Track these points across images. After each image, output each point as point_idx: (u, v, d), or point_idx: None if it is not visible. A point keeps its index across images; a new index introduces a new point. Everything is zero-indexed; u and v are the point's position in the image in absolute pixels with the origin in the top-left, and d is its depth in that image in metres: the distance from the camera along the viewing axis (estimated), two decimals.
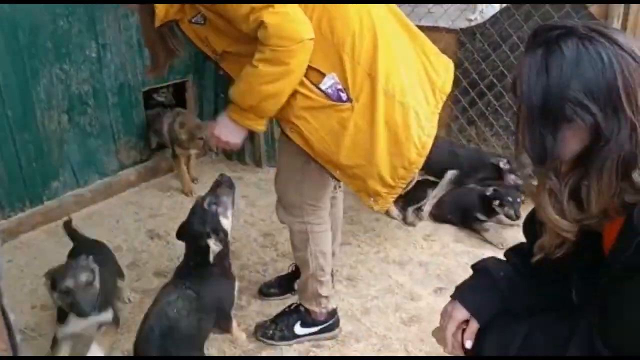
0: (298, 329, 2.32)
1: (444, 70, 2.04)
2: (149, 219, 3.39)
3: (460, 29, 3.62)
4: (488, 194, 3.19)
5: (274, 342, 2.31)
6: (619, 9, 3.08)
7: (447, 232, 3.23)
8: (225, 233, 2.04)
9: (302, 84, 1.83)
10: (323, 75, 1.83)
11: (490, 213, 3.20)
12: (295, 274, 2.61)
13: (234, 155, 4.17)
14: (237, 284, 2.21)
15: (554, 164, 1.15)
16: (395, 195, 2.02)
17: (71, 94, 3.34)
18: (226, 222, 2.06)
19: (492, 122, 3.67)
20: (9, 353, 0.61)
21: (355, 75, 1.83)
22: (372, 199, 1.99)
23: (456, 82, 3.66)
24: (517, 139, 1.22)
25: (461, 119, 3.77)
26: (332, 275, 2.39)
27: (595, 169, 1.11)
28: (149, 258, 2.98)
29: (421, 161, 1.96)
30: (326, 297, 2.30)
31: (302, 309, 2.33)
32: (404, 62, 1.93)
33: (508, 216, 3.13)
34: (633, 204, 1.10)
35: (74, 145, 3.43)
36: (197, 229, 2.03)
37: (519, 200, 3.10)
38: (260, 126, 1.92)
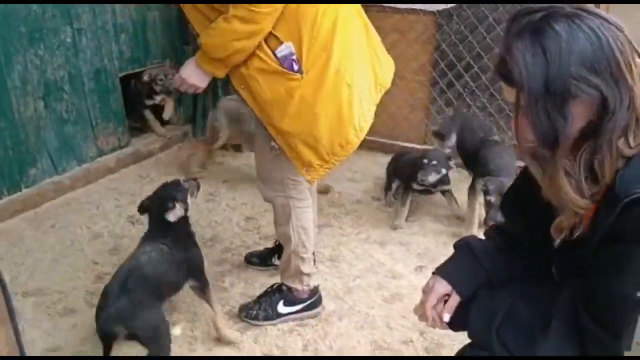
0: (281, 308, 2.34)
1: (387, 68, 2.21)
2: (130, 205, 3.37)
3: (438, 10, 3.64)
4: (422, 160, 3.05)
5: (258, 322, 2.34)
6: None
7: (426, 213, 3.27)
8: (187, 208, 2.25)
9: (260, 47, 1.93)
10: (281, 43, 1.93)
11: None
12: (275, 250, 2.65)
13: None
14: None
15: (567, 144, 1.15)
16: (328, 169, 2.11)
17: (47, 79, 3.30)
18: (189, 202, 2.27)
19: (470, 103, 3.71)
20: (12, 339, 0.61)
21: (311, 49, 1.93)
22: (305, 169, 2.08)
23: (434, 64, 3.74)
24: (516, 127, 1.19)
25: (439, 100, 3.81)
26: (314, 255, 2.42)
27: (607, 142, 1.12)
28: (131, 243, 2.96)
29: (357, 143, 2.08)
30: (308, 274, 2.33)
31: (284, 288, 2.36)
32: (358, 52, 2.06)
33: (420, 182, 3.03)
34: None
35: (51, 131, 3.39)
36: (169, 192, 2.24)
37: (434, 163, 3.00)
38: (222, 74, 2.04)
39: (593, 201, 1.18)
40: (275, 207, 2.26)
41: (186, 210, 2.24)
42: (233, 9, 1.86)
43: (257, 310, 2.35)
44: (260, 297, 2.41)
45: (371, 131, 3.94)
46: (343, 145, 2.04)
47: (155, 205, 2.24)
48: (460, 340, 2.13)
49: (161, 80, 3.93)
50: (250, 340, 2.27)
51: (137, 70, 3.89)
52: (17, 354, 0.57)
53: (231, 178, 3.70)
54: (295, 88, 1.96)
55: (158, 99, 4.03)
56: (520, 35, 1.13)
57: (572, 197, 1.18)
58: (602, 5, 3.10)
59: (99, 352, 2.18)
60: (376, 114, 3.98)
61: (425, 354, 2.17)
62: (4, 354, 0.56)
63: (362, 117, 2.05)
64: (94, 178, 3.62)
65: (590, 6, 1.16)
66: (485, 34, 3.51)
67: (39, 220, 3.21)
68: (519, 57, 1.12)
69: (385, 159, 3.92)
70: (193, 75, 2.05)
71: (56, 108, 3.39)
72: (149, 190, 3.50)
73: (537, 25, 1.12)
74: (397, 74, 3.81)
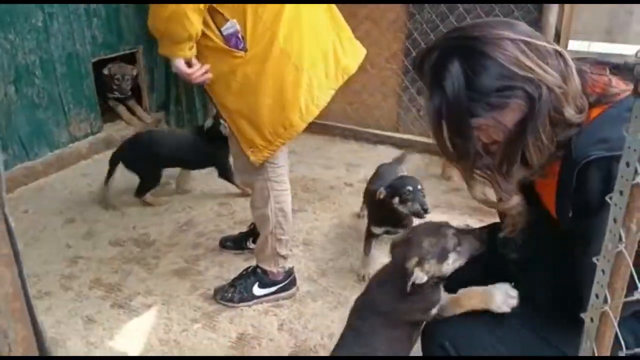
0: (256, 290, 2.39)
1: (353, 54, 2.19)
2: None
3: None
4: (382, 196, 2.38)
5: (233, 304, 2.38)
6: None
7: None
8: None
9: (206, 24, 1.94)
10: (227, 20, 1.94)
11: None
12: (249, 234, 2.69)
13: (187, 126, 4.16)
14: None
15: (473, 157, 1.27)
16: (273, 151, 2.13)
17: (17, 64, 3.26)
18: None
19: None
20: (12, 259, 0.64)
21: (256, 27, 1.94)
22: (250, 149, 2.12)
23: (406, 53, 3.80)
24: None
25: (411, 89, 3.88)
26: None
27: (531, 132, 1.19)
28: (105, 228, 2.98)
29: (302, 126, 2.07)
30: (284, 256, 2.37)
31: (259, 270, 2.40)
32: (313, 35, 2.04)
33: (415, 213, 2.32)
34: (565, 143, 1.22)
35: (22, 117, 3.36)
36: None
37: (419, 187, 2.34)
38: (181, 51, 1.97)
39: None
40: (254, 190, 2.29)
41: None
42: None
43: (233, 293, 2.39)
44: (235, 279, 2.44)
45: (344, 118, 4.07)
46: (286, 127, 2.05)
47: None
48: None
49: (118, 80, 3.94)
50: (226, 321, 2.31)
51: (109, 55, 3.87)
52: (21, 294, 0.60)
53: None
54: (238, 65, 1.98)
55: (117, 94, 4.04)
56: (429, 83, 1.24)
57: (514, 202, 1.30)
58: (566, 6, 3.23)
59: (74, 334, 2.21)
60: (349, 102, 4.10)
61: None
62: (10, 294, 0.60)
63: (311, 101, 2.04)
64: (66, 164, 3.61)
65: (475, 25, 1.24)
66: (455, 23, 3.57)
67: (11, 206, 3.13)
68: (433, 99, 1.23)
69: (357, 146, 4.00)
70: (175, 67, 2.02)
71: (27, 93, 3.35)
72: (121, 176, 3.53)
73: (434, 70, 1.22)
74: (369, 62, 3.91)
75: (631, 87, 1.23)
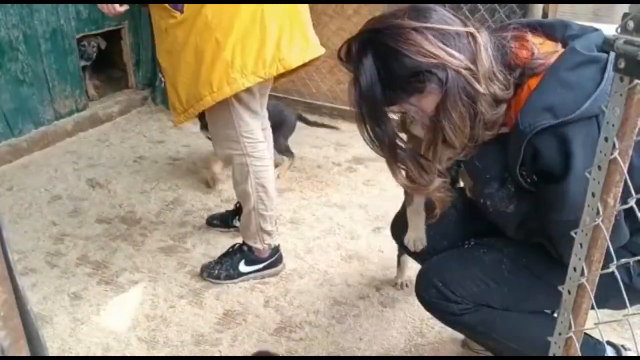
0: (242, 267, 2.40)
1: (301, 50, 2.14)
2: (89, 168, 3.35)
3: None
4: None
5: (220, 281, 2.39)
6: None
7: (387, 177, 3.34)
8: None
9: None
10: None
11: None
12: (236, 212, 2.70)
13: None
14: None
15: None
16: (188, 118, 2.18)
17: (0, 39, 3.21)
18: None
19: None
20: (12, 298, 0.63)
21: None
22: (173, 109, 2.19)
23: None
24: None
25: None
26: (275, 218, 2.48)
27: (444, 114, 1.25)
28: (91, 206, 2.97)
29: (211, 103, 2.06)
30: (269, 232, 2.38)
31: (245, 248, 2.41)
32: (252, 14, 2.01)
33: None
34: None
35: (6, 93, 3.31)
36: None
37: None
38: None
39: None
40: (234, 165, 2.28)
41: None
42: None
43: (219, 270, 2.40)
44: (221, 257, 2.46)
45: (332, 98, 4.06)
46: (197, 99, 2.08)
47: None
48: (413, 295, 2.25)
49: (84, 46, 3.83)
50: (213, 297, 2.33)
51: (94, 32, 3.81)
52: (0, 257, 0.60)
53: (191, 142, 3.70)
54: (171, 26, 2.03)
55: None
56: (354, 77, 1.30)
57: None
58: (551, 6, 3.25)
59: (60, 311, 2.22)
60: (337, 81, 4.08)
61: (381, 308, 2.27)
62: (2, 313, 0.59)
63: (226, 81, 2.01)
64: (51, 141, 3.57)
65: (383, 18, 1.30)
66: None
67: None
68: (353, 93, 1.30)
69: (345, 125, 3.98)
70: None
71: (11, 69, 3.30)
72: (108, 154, 3.52)
73: (352, 64, 1.31)
74: None
75: (558, 46, 1.28)
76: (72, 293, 2.34)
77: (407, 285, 2.36)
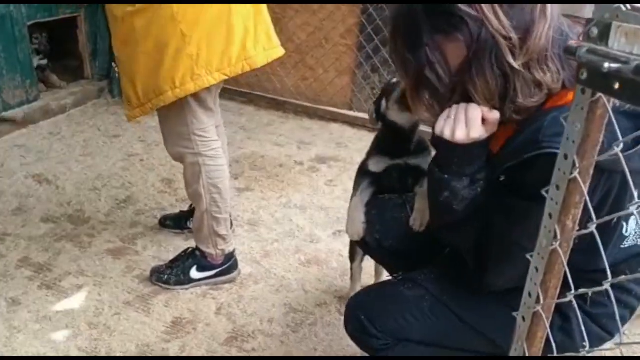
0: (194, 273, 2.28)
1: (264, 50, 2.09)
2: (37, 163, 3.18)
3: None
4: None
5: (169, 287, 2.27)
6: None
7: (350, 178, 3.26)
8: None
9: None
10: None
11: None
12: (190, 213, 2.57)
13: None
14: None
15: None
16: (144, 113, 2.05)
17: None
18: None
19: (395, 71, 3.70)
20: None
21: None
22: (126, 103, 2.07)
23: (361, 29, 3.70)
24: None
25: (365, 66, 3.79)
26: (231, 218, 2.37)
27: (469, 78, 1.14)
28: (37, 203, 2.81)
29: (172, 98, 1.96)
30: (223, 237, 2.27)
31: (198, 253, 2.30)
32: (219, 11, 1.94)
33: None
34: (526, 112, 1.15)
35: None
36: None
37: None
38: None
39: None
40: (185, 165, 2.18)
41: None
42: None
43: (169, 275, 2.28)
44: (173, 261, 2.33)
45: (297, 95, 3.96)
46: (157, 94, 1.97)
47: None
48: None
49: (37, 38, 3.68)
50: (161, 304, 2.21)
51: (47, 19, 3.62)
52: None
53: (148, 137, 3.56)
54: (128, 14, 1.90)
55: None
56: None
57: None
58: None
59: None
60: (303, 77, 3.99)
61: (339, 316, 2.18)
62: None
63: (190, 77, 1.93)
64: None
65: None
66: None
67: None
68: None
69: (310, 124, 3.90)
70: None
71: None
72: (59, 148, 3.35)
73: None
74: (324, 36, 3.80)
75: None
76: (10, 298, 2.19)
77: None
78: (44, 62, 3.79)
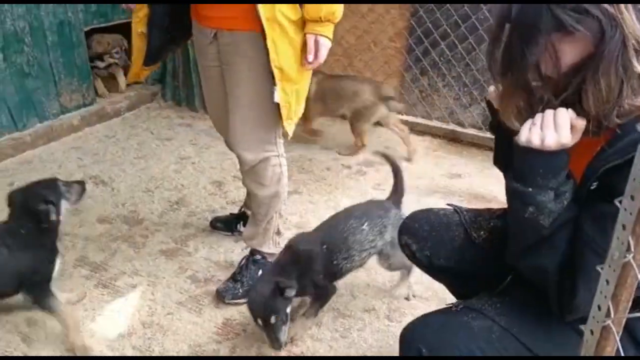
0: None
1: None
2: (93, 165, 3.28)
3: None
4: None
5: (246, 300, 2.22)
6: None
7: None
8: (60, 212, 2.04)
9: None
10: None
11: None
12: (240, 217, 2.62)
13: (182, 101, 4.06)
14: (60, 260, 2.07)
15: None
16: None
17: (6, 31, 3.15)
18: (64, 206, 2.08)
19: (445, 73, 3.66)
20: None
21: None
22: (287, 120, 2.05)
23: (411, 31, 3.66)
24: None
25: (414, 68, 3.75)
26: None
27: (591, 78, 1.09)
28: (93, 204, 2.90)
29: None
30: (280, 234, 2.32)
31: (258, 257, 2.31)
32: None
33: None
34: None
35: (11, 86, 3.25)
36: (43, 192, 2.02)
37: None
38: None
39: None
40: (266, 168, 2.14)
41: (58, 215, 2.02)
42: None
43: (242, 288, 2.25)
44: (237, 274, 2.30)
45: None
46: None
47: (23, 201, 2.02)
48: (421, 308, 2.15)
49: (117, 53, 3.82)
50: (213, 305, 2.24)
51: (103, 24, 3.74)
52: None
53: (199, 140, 3.62)
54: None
55: (102, 65, 3.90)
56: None
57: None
58: None
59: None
60: None
61: (387, 322, 2.17)
62: None
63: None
64: (56, 136, 3.51)
65: None
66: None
67: None
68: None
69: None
70: (326, 51, 1.97)
71: (16, 61, 3.24)
72: (114, 150, 3.45)
73: None
74: (373, 40, 3.79)
75: None
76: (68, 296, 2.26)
77: (413, 296, 2.28)
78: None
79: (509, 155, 1.29)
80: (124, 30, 3.91)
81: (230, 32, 1.95)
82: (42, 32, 3.32)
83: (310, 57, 1.94)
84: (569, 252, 1.21)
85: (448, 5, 3.47)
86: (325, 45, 1.95)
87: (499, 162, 1.54)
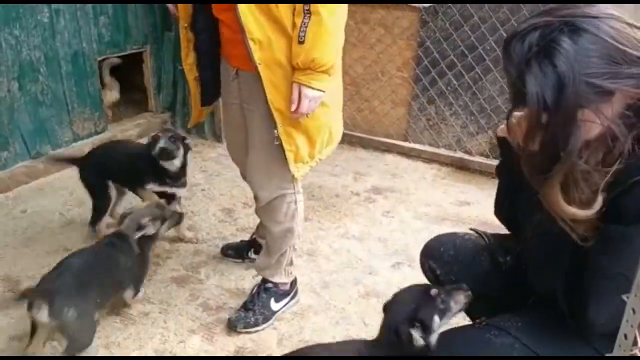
0: (274, 305, 2.30)
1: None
2: None
3: (423, 7, 3.63)
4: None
5: (259, 327, 2.25)
6: None
7: (406, 209, 3.26)
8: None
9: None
10: None
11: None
12: (251, 244, 2.64)
13: (192, 129, 4.10)
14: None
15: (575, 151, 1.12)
16: (312, 167, 2.13)
17: (22, 60, 3.21)
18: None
19: (452, 102, 3.71)
20: None
21: None
22: (295, 164, 2.05)
23: (417, 61, 3.72)
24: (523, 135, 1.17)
25: (421, 97, 3.80)
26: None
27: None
28: (105, 231, 2.91)
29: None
30: (293, 264, 2.33)
31: (270, 285, 2.31)
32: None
33: None
34: None
35: (25, 114, 3.30)
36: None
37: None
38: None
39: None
40: (281, 204, 2.14)
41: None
42: (320, 8, 1.74)
43: (254, 317, 2.26)
44: (249, 303, 2.30)
45: (352, 126, 4.00)
46: (327, 143, 2.10)
47: None
48: None
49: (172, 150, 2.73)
50: (225, 333, 2.24)
51: (116, 54, 3.80)
52: None
53: (209, 168, 3.65)
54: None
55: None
56: (528, 62, 1.08)
57: (568, 210, 1.15)
58: None
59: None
60: (358, 109, 4.03)
61: None
62: None
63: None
64: None
65: (574, 7, 1.13)
66: (469, 32, 3.50)
67: (10, 205, 3.12)
68: (533, 82, 1.07)
69: (365, 154, 3.92)
70: (314, 104, 1.88)
71: (31, 90, 3.30)
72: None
73: (542, 47, 1.07)
74: (380, 69, 3.84)
75: None
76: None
77: None
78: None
79: (515, 206, 1.35)
80: (137, 59, 4.00)
81: (248, 72, 1.93)
82: (56, 62, 3.38)
83: (293, 107, 1.85)
84: (573, 271, 1.23)
85: (455, 35, 3.53)
86: (309, 96, 1.83)
87: (501, 215, 1.56)
